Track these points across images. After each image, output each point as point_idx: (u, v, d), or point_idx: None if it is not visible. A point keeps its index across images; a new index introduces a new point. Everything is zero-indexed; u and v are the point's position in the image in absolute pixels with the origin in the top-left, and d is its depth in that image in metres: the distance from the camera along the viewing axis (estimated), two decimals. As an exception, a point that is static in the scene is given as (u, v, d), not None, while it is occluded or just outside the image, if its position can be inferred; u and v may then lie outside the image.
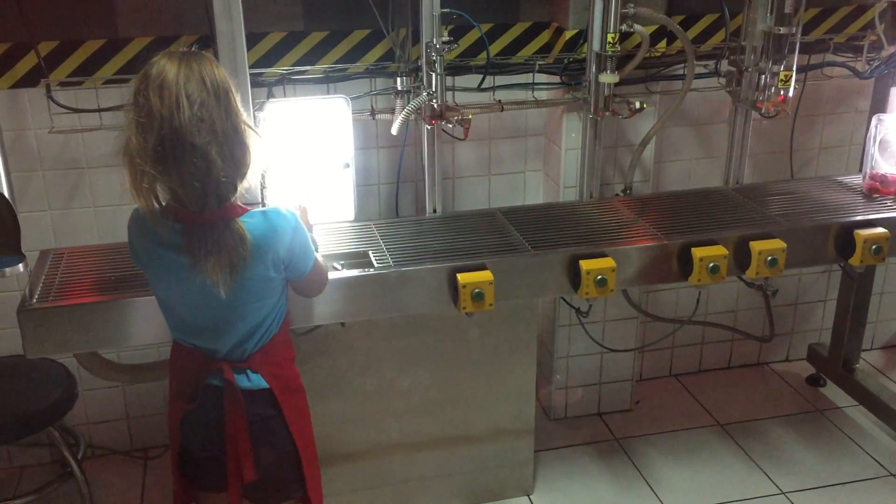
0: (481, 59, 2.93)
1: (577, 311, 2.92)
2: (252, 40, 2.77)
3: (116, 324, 2.23)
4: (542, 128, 3.18)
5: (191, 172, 1.71)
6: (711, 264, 2.52)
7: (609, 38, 2.69)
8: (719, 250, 2.54)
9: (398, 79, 2.78)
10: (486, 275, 2.36)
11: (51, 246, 2.71)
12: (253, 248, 1.80)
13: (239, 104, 1.79)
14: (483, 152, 3.16)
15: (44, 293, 2.27)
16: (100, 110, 2.72)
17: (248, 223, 1.81)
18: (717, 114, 3.29)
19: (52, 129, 2.67)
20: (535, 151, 3.21)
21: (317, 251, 2.16)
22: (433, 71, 2.56)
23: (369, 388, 2.70)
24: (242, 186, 1.81)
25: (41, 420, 2.68)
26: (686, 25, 3.08)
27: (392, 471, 2.84)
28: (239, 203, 1.83)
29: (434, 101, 2.59)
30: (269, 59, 2.83)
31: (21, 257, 2.33)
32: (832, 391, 3.61)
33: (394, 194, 3.09)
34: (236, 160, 1.76)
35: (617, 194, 3.10)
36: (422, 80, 2.64)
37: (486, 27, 2.95)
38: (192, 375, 1.94)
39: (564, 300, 3.14)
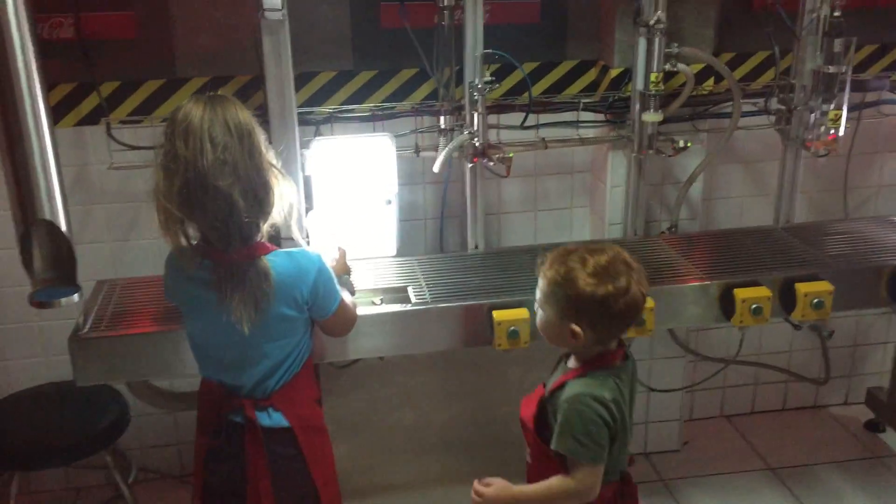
0: (525, 96, 2.96)
1: (621, 348, 2.89)
2: (303, 80, 2.86)
3: (162, 354, 2.31)
4: (588, 164, 3.19)
5: (214, 214, 1.77)
6: (754, 306, 2.49)
7: (653, 78, 2.69)
8: (762, 291, 2.50)
9: (441, 117, 2.82)
10: (521, 312, 2.37)
11: (111, 276, 2.83)
12: (277, 286, 1.84)
13: (263, 146, 1.84)
14: (529, 188, 3.18)
15: (95, 323, 2.38)
16: (157, 147, 2.83)
17: (273, 262, 1.85)
18: (769, 151, 3.24)
19: (112, 165, 2.80)
20: (581, 188, 3.22)
21: (353, 294, 2.20)
22: (475, 110, 2.60)
23: (407, 423, 2.73)
24: (268, 225, 1.85)
25: (93, 444, 2.77)
26: (736, 63, 3.06)
27: (430, 505, 2.85)
28: (266, 242, 1.88)
29: (476, 139, 2.63)
30: (319, 98, 2.91)
31: (76, 288, 2.43)
32: (892, 437, 3.48)
33: (440, 229, 3.13)
34: (259, 201, 1.81)
35: (662, 232, 3.08)
36: (465, 118, 2.68)
37: (532, 66, 2.98)
38: (216, 411, 1.99)
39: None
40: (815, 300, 2.51)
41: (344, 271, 2.24)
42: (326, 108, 2.87)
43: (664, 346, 3.23)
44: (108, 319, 2.40)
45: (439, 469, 2.80)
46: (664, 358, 3.27)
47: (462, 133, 2.65)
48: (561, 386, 1.88)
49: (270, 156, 1.87)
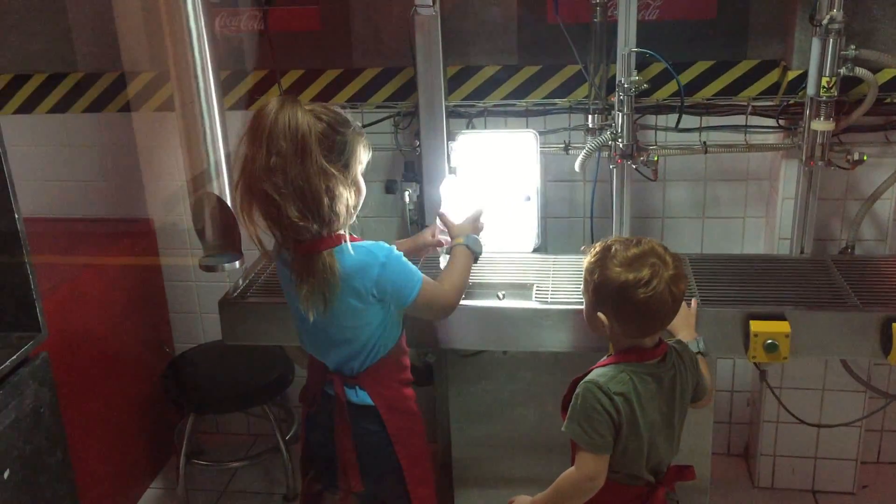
0: (696, 97, 2.81)
1: (762, 373, 2.67)
2: (467, 73, 2.93)
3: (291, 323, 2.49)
4: (767, 172, 2.96)
5: (265, 214, 1.88)
6: (915, 344, 2.20)
7: (824, 83, 2.44)
8: (927, 329, 2.21)
9: (589, 116, 2.76)
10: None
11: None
12: (342, 278, 1.90)
13: (320, 153, 1.83)
14: (697, 193, 3.01)
15: (245, 289, 2.63)
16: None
17: (338, 255, 1.91)
18: None
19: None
20: (756, 197, 2.99)
21: (478, 255, 2.20)
22: (620, 110, 2.52)
23: (532, 419, 2.73)
24: (330, 224, 1.88)
25: (255, 398, 3.08)
26: (951, 67, 2.68)
27: (554, 504, 2.82)
28: (335, 234, 1.92)
29: (619, 140, 2.55)
30: (482, 91, 2.95)
31: (238, 256, 2.71)
32: None
33: (598, 227, 3.06)
34: (308, 207, 1.84)
35: (841, 251, 2.79)
36: (614, 118, 2.61)
37: (706, 65, 2.83)
38: (315, 381, 2.14)
39: (755, 364, 2.89)
40: None
41: (474, 230, 2.23)
42: (482, 103, 2.92)
43: (839, 374, 2.93)
44: (259, 286, 2.65)
45: (559, 469, 2.76)
46: (836, 390, 2.97)
47: (605, 133, 2.58)
48: (589, 372, 1.93)
49: (332, 162, 1.87)
